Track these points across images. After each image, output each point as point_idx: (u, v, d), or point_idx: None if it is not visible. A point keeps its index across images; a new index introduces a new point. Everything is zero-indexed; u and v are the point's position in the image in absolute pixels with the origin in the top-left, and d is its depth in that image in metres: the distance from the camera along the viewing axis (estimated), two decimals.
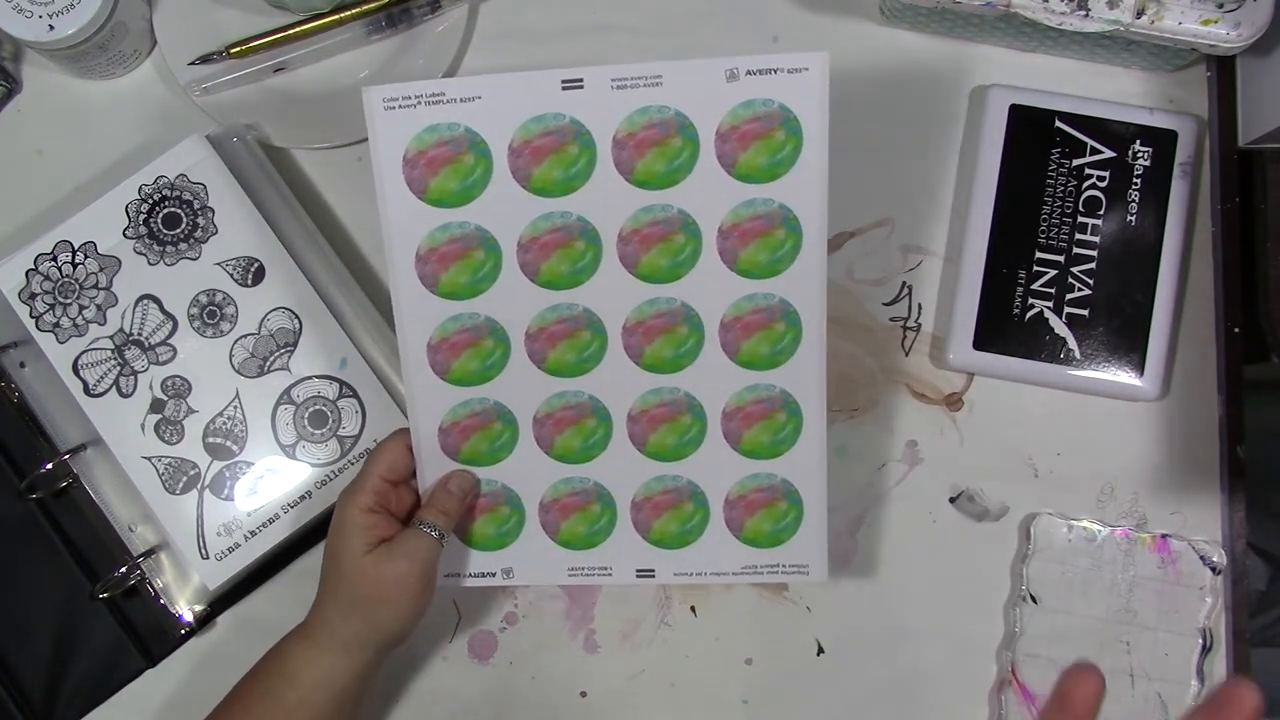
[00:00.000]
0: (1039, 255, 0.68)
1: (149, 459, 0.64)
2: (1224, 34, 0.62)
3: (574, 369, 0.61)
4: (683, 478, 0.62)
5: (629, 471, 0.62)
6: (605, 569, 0.64)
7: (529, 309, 0.60)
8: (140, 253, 0.65)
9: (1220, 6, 0.62)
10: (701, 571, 0.63)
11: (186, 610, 0.67)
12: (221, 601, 0.67)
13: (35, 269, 0.65)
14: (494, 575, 0.64)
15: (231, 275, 0.66)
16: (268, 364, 0.65)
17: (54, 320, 0.65)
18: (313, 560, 0.68)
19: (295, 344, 0.65)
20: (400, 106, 0.57)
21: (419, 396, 0.61)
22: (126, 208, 0.65)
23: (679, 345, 0.60)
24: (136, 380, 0.65)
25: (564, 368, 0.61)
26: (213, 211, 0.66)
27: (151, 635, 0.67)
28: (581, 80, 0.56)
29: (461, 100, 0.57)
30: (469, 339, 0.60)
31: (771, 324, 0.59)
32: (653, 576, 0.64)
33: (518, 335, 0.60)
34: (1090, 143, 0.68)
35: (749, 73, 0.56)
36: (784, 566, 0.63)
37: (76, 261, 0.65)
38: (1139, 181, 0.68)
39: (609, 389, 0.61)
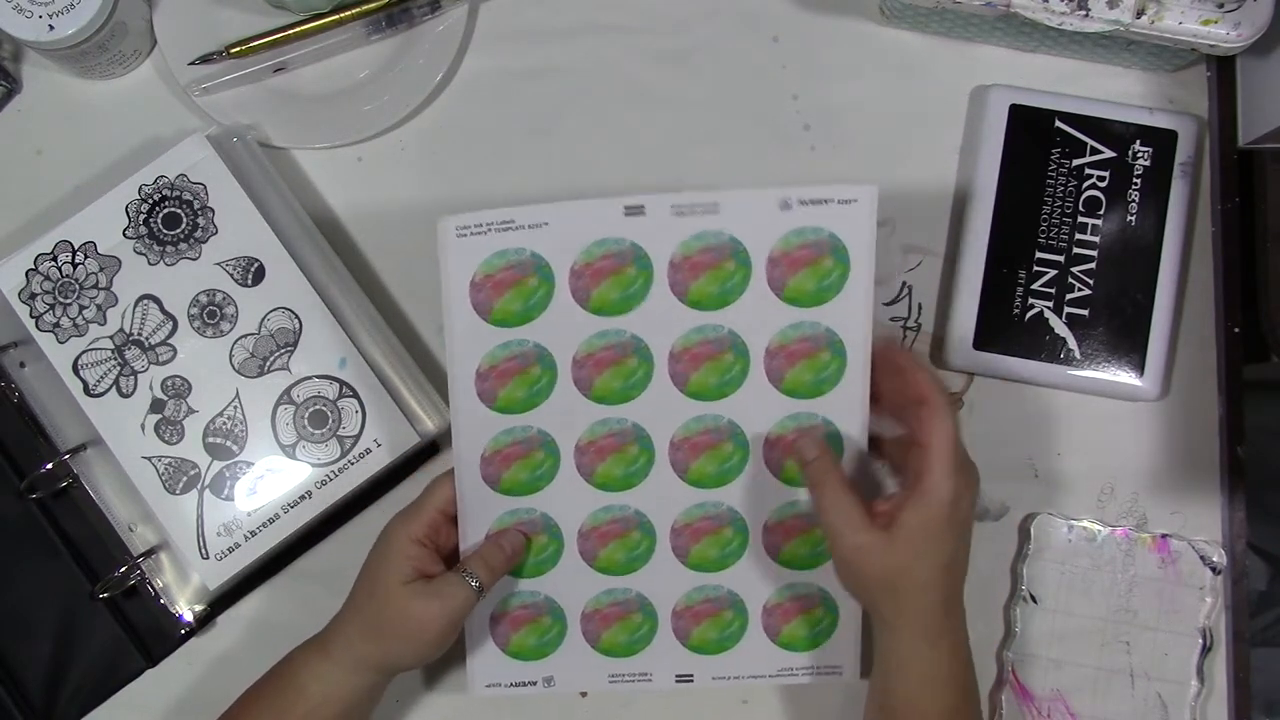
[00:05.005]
0: (1039, 255, 0.68)
1: (149, 459, 0.64)
2: (1224, 34, 0.62)
3: (621, 483, 0.62)
4: (723, 587, 0.64)
5: (671, 582, 0.64)
6: (645, 675, 0.65)
7: (580, 423, 0.61)
8: (140, 253, 0.65)
9: (1220, 6, 0.62)
10: (739, 675, 0.65)
11: (186, 610, 0.67)
12: (221, 601, 0.67)
13: (35, 269, 0.65)
14: (534, 684, 0.65)
15: (231, 275, 0.66)
16: (268, 364, 0.65)
17: (54, 320, 0.65)
18: (313, 560, 0.68)
19: (295, 344, 0.65)
20: (472, 234, 0.58)
21: (469, 504, 0.61)
22: (126, 208, 0.65)
23: (724, 461, 0.61)
24: (136, 380, 0.65)
25: (611, 481, 0.62)
26: (213, 211, 0.66)
27: (151, 635, 0.67)
28: (643, 206, 0.57)
29: (530, 226, 0.57)
30: (521, 451, 0.61)
31: None
32: (691, 681, 0.65)
33: (568, 448, 0.61)
34: (1090, 143, 0.68)
35: (801, 202, 0.57)
36: (819, 668, 0.65)
37: (76, 261, 0.65)
38: (1139, 181, 0.68)
39: (654, 502, 0.62)
